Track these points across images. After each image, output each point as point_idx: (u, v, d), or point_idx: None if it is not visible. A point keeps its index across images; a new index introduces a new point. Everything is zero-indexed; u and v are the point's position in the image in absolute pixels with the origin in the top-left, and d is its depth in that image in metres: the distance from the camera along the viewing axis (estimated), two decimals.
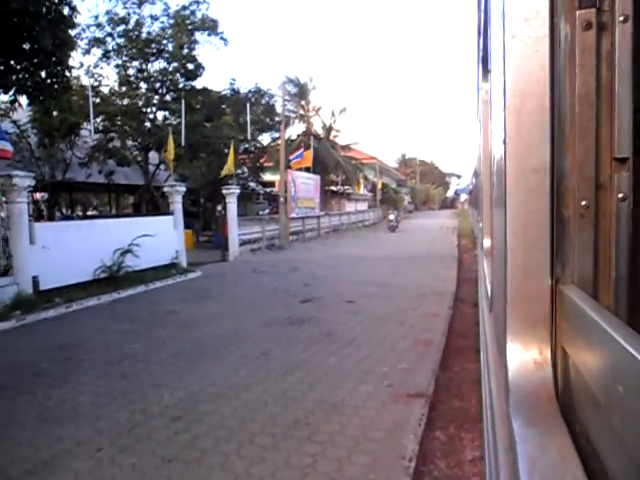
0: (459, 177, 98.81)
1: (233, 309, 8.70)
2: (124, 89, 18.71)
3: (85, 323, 8.03)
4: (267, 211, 27.58)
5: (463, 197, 70.39)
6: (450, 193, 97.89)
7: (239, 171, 24.42)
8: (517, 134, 0.82)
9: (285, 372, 5.43)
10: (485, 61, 1.89)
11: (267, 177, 29.61)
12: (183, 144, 16.38)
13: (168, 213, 13.55)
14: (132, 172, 20.86)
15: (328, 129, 32.94)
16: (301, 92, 31.63)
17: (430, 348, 6.19)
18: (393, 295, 9.62)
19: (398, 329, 7.14)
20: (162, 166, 20.27)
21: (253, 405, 4.57)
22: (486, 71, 1.91)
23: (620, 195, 0.78)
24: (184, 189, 13.76)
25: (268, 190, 30.74)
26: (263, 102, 23.28)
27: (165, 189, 13.58)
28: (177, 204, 13.51)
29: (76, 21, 10.83)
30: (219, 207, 21.24)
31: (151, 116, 19.50)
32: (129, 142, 19.40)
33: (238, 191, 16.88)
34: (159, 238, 12.10)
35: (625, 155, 0.77)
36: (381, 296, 9.54)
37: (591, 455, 0.69)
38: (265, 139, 26.49)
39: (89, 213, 31.58)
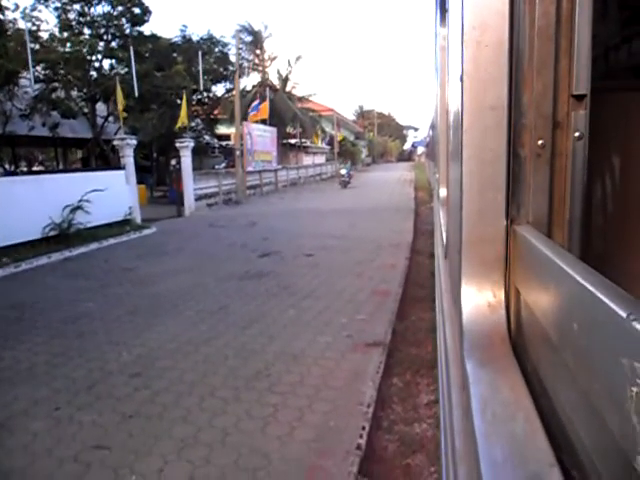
0: (416, 130, 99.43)
1: (190, 265, 8.59)
2: (65, 35, 17.54)
3: (36, 282, 7.77)
4: (223, 165, 27.01)
5: (420, 150, 70.83)
6: (407, 146, 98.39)
7: (193, 124, 23.67)
8: (475, 69, 0.79)
9: (244, 325, 5.45)
10: (443, 3, 1.84)
11: (222, 130, 28.86)
12: (136, 94, 15.61)
13: (119, 168, 13.04)
14: (79, 125, 19.87)
15: (284, 80, 32.11)
16: (256, 41, 30.55)
17: (387, 299, 6.32)
18: (351, 247, 9.71)
19: (356, 281, 7.24)
20: (111, 118, 19.38)
21: (213, 359, 4.58)
22: (444, 12, 1.86)
23: (577, 134, 0.77)
24: (135, 142, 13.22)
25: (223, 144, 30.03)
26: (216, 51, 22.35)
27: (115, 142, 12.99)
28: (128, 158, 13.01)
29: None
30: (173, 161, 20.63)
31: (97, 65, 18.42)
32: (74, 92, 18.34)
33: (192, 144, 16.38)
34: (111, 194, 11.69)
35: (583, 92, 0.76)
36: (339, 249, 9.61)
37: (543, 393, 0.70)
38: (219, 90, 25.63)
39: (35, 169, 30.04)
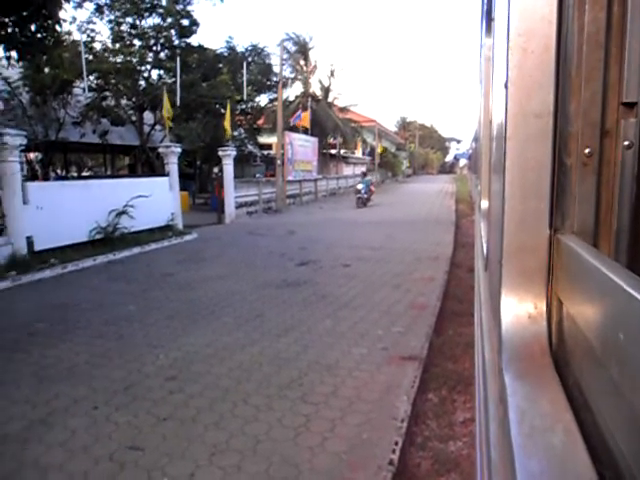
0: (459, 142, 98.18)
1: (229, 271, 8.70)
2: (117, 46, 18.20)
3: (81, 284, 8.03)
4: (262, 174, 27.35)
5: (462, 162, 69.98)
6: (449, 158, 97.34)
7: (236, 133, 24.09)
8: (520, 76, 0.77)
9: (280, 334, 5.47)
10: (489, 12, 1.81)
11: (264, 139, 29.23)
12: (178, 104, 16.04)
13: (164, 174, 13.40)
14: (127, 132, 20.53)
15: (326, 90, 32.38)
16: (300, 51, 30.90)
17: (425, 312, 6.23)
18: (389, 259, 9.63)
19: (393, 293, 7.17)
20: (157, 126, 19.95)
21: (248, 366, 4.61)
22: (489, 21, 1.82)
23: (626, 143, 0.73)
24: (179, 150, 13.57)
25: (265, 152, 30.42)
26: (260, 61, 22.73)
27: (160, 150, 13.39)
28: (173, 165, 13.35)
29: None
30: (215, 169, 21.00)
31: (145, 74, 19.03)
32: (123, 101, 19.00)
33: (234, 153, 16.67)
34: (154, 199, 12.01)
35: (634, 100, 0.72)
36: (377, 260, 9.55)
37: (584, 407, 0.67)
38: (263, 100, 26.01)
39: (84, 174, 31.19)
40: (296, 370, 4.49)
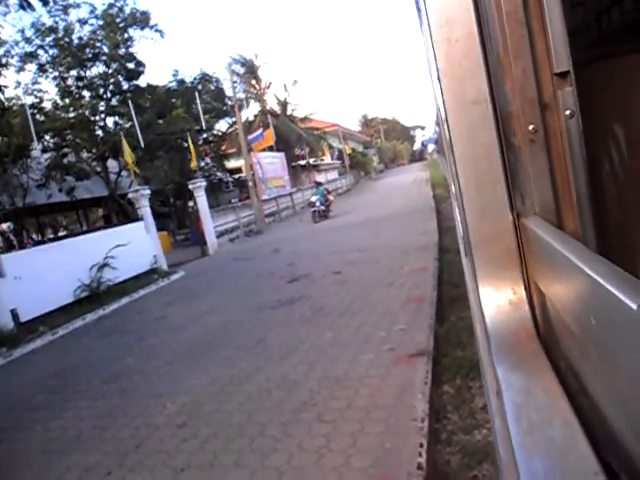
0: (423, 128, 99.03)
1: (221, 302, 8.58)
2: (67, 101, 18.05)
3: (74, 346, 7.85)
4: (237, 199, 27.25)
5: (431, 147, 70.45)
6: (417, 146, 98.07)
7: (203, 163, 24.01)
8: (449, 66, 0.77)
9: (283, 356, 5.37)
10: (417, 3, 1.80)
11: (232, 164, 29.19)
12: (142, 145, 15.91)
13: (138, 219, 13.24)
14: (94, 184, 20.30)
15: (284, 104, 32.50)
16: (250, 71, 30.99)
17: (423, 304, 6.17)
18: (378, 258, 9.59)
19: (389, 291, 7.11)
20: (124, 173, 19.80)
21: (257, 396, 4.50)
22: (420, 12, 1.84)
23: (567, 112, 0.74)
24: (149, 192, 13.42)
25: (236, 177, 30.33)
26: (212, 87, 22.71)
27: (130, 195, 13.23)
28: (145, 208, 13.20)
29: (1, 37, 10.26)
30: (190, 203, 20.83)
31: (101, 124, 18.91)
32: (84, 154, 18.81)
33: (204, 183, 16.59)
34: (134, 246, 11.84)
35: (565, 68, 0.72)
36: (366, 261, 9.50)
37: (579, 391, 0.66)
38: (223, 126, 25.98)
39: (60, 234, 30.80)
40: (306, 391, 4.39)
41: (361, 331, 5.64)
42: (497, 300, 0.80)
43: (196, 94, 18.97)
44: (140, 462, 3.76)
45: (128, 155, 13.67)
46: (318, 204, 19.14)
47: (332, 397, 4.17)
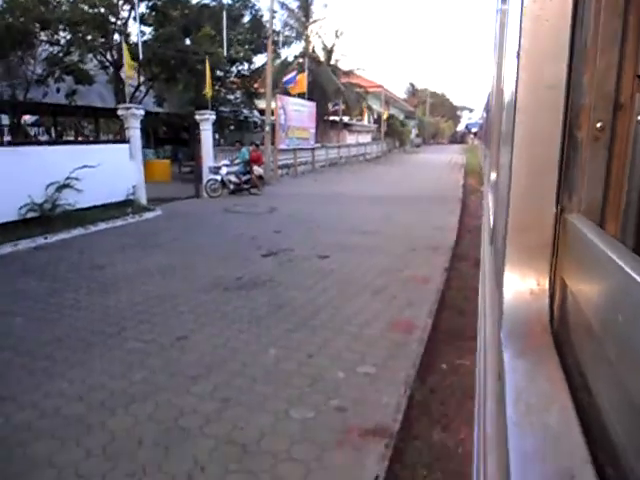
0: (471, 111, 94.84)
1: (177, 263, 7.00)
2: None
3: None
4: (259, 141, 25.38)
5: (474, 132, 67.14)
6: (461, 127, 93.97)
7: (231, 97, 22.03)
8: (533, 45, 0.74)
9: (197, 375, 3.81)
10: None
11: (263, 104, 27.13)
12: (145, 58, 14.02)
13: (123, 141, 11.57)
14: (110, 94, 18.63)
15: (329, 51, 29.92)
16: (301, 6, 28.38)
17: (410, 337, 4.54)
18: (379, 248, 7.90)
19: (373, 301, 5.47)
20: (142, 88, 18.08)
21: (121, 443, 2.95)
22: None
23: None
24: (142, 112, 11.54)
25: (264, 118, 28.34)
26: (250, 16, 20.43)
27: (119, 112, 11.41)
28: (134, 130, 11.41)
29: None
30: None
31: (122, 29, 16.90)
32: (94, 59, 16.98)
33: (213, 117, 14.70)
34: (110, 170, 10.23)
35: None
36: (364, 249, 7.82)
37: (582, 387, 0.66)
38: (260, 61, 23.74)
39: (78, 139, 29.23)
40: (191, 458, 2.83)
41: (314, 361, 4.05)
42: (520, 287, 0.79)
43: (223, 15, 16.51)
44: None
45: (128, 66, 11.87)
46: (227, 174, 13.92)
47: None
